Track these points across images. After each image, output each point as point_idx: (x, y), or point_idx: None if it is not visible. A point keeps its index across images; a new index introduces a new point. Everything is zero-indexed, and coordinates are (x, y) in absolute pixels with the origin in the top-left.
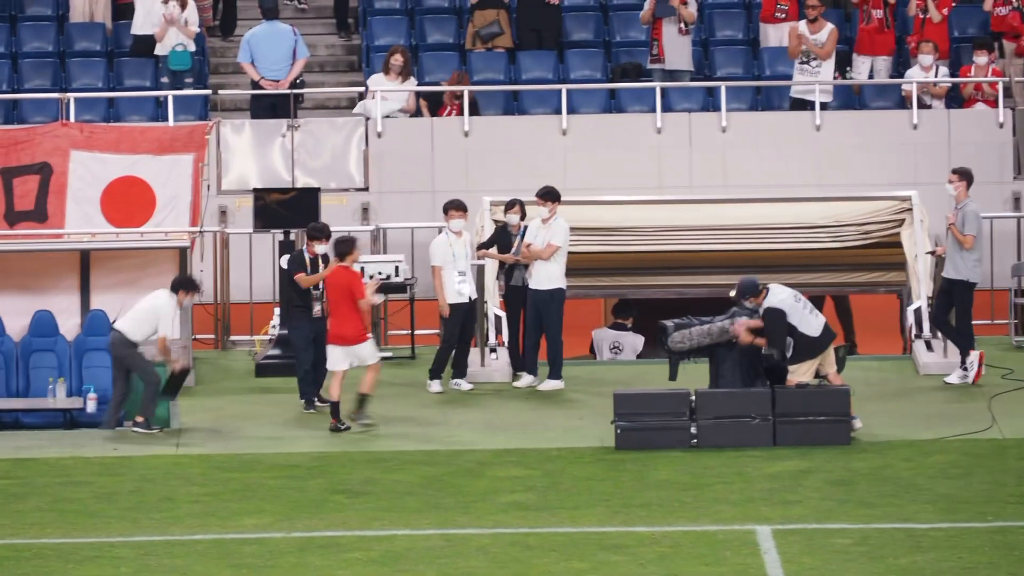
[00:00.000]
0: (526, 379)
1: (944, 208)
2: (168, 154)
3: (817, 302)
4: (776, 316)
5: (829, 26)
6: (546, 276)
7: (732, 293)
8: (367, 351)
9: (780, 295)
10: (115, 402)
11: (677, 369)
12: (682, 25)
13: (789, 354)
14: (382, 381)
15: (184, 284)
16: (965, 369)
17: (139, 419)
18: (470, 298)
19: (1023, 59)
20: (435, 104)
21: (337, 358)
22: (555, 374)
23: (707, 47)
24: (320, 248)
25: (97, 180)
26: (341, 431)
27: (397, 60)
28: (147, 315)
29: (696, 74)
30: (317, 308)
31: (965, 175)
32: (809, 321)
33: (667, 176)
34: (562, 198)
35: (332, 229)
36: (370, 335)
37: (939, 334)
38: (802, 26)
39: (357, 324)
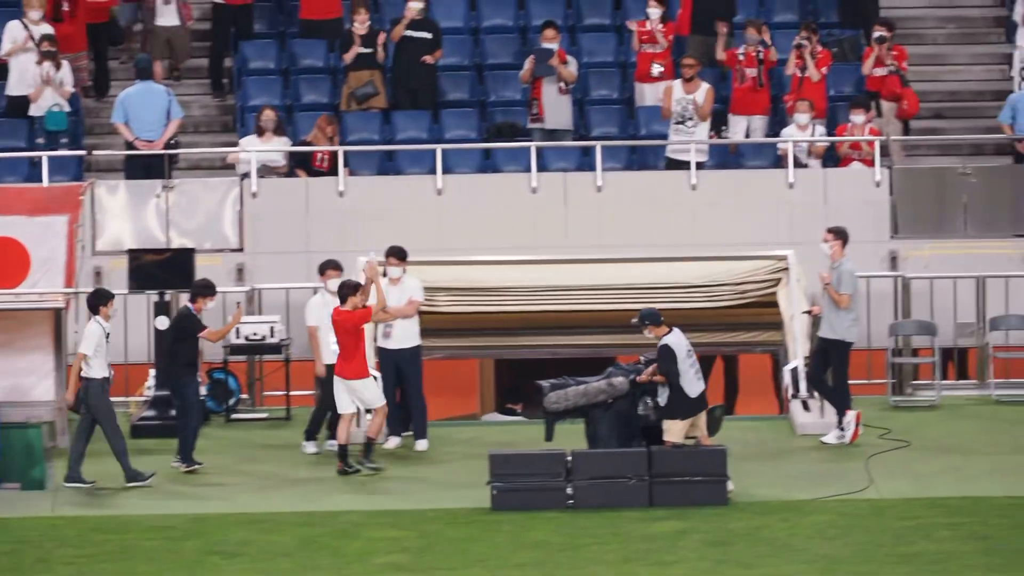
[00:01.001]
0: (393, 441)
1: (820, 267)
2: (42, 215)
3: (708, 362)
4: (670, 354)
5: (705, 85)
6: (407, 334)
7: (634, 320)
8: (368, 394)
9: (680, 339)
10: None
11: (553, 429)
12: (562, 84)
13: (663, 402)
14: (255, 443)
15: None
16: (842, 429)
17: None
18: None
19: (901, 120)
20: (307, 164)
21: (344, 401)
22: (423, 433)
23: (583, 106)
24: (209, 305)
25: None
26: (349, 474)
27: (268, 117)
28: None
29: (573, 133)
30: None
31: (840, 234)
32: (691, 379)
33: (542, 236)
34: (438, 258)
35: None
36: (373, 375)
37: (816, 394)
38: (677, 85)
39: (355, 361)
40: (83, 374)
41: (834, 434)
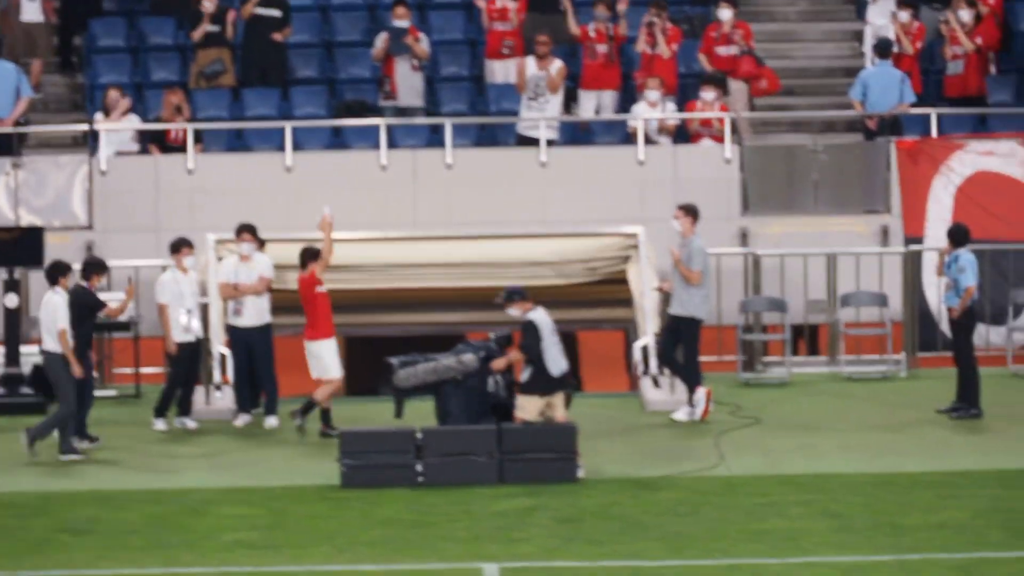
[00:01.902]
0: (243, 418)
1: (671, 244)
2: None
3: (569, 340)
4: (531, 329)
5: (557, 62)
6: (258, 311)
7: (499, 298)
8: (322, 358)
9: (544, 317)
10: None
11: (403, 407)
12: (415, 61)
13: (525, 378)
14: (105, 420)
15: (95, 267)
16: (692, 406)
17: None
18: (196, 336)
19: (752, 98)
20: (161, 139)
21: (335, 364)
22: (274, 410)
23: (432, 83)
24: (100, 282)
25: None
26: (332, 437)
27: (113, 98)
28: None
29: (424, 110)
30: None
31: (690, 211)
32: (555, 357)
33: (392, 213)
34: (287, 236)
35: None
36: (328, 340)
37: (666, 371)
38: (530, 62)
39: (312, 323)
40: (48, 348)
41: (684, 411)
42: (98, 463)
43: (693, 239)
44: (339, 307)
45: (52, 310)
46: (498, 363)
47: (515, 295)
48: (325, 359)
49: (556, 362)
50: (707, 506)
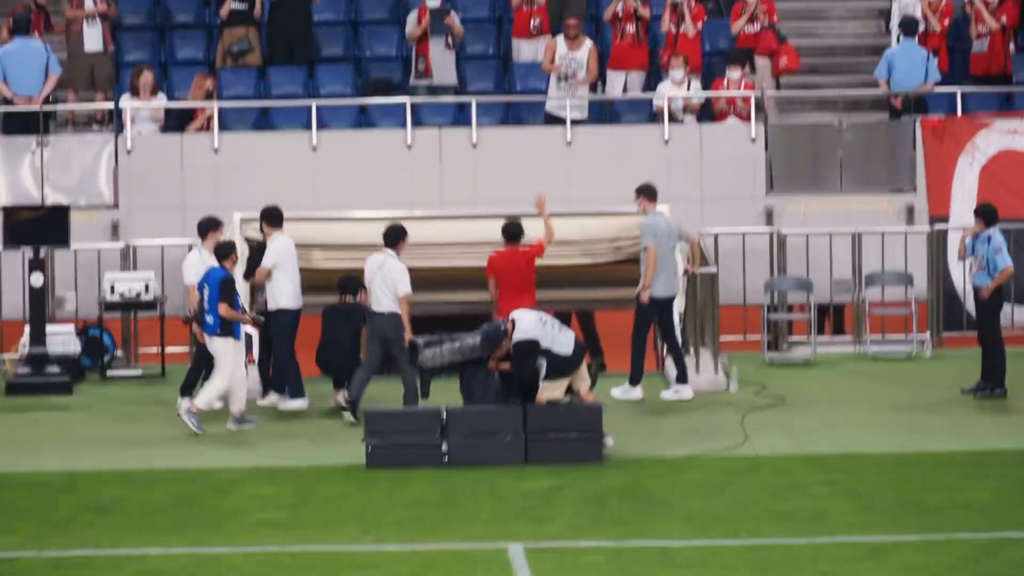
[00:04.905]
0: (271, 398)
1: (697, 223)
2: None
3: (562, 319)
4: (528, 348)
5: (588, 43)
6: (272, 296)
7: (478, 343)
8: None
9: (525, 324)
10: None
11: (429, 386)
12: (449, 40)
13: (543, 375)
14: (131, 399)
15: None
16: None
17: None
18: None
19: (777, 76)
20: (186, 120)
21: None
22: (293, 392)
23: (458, 62)
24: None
25: None
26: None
27: (146, 79)
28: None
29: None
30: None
31: (642, 191)
32: (560, 340)
33: (417, 192)
34: (313, 214)
35: (82, 246)
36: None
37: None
38: (560, 42)
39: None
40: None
41: (623, 389)
42: (124, 442)
43: (649, 216)
44: (363, 286)
45: (396, 276)
46: (492, 364)
47: (495, 340)
48: None
49: (563, 345)
50: (732, 486)
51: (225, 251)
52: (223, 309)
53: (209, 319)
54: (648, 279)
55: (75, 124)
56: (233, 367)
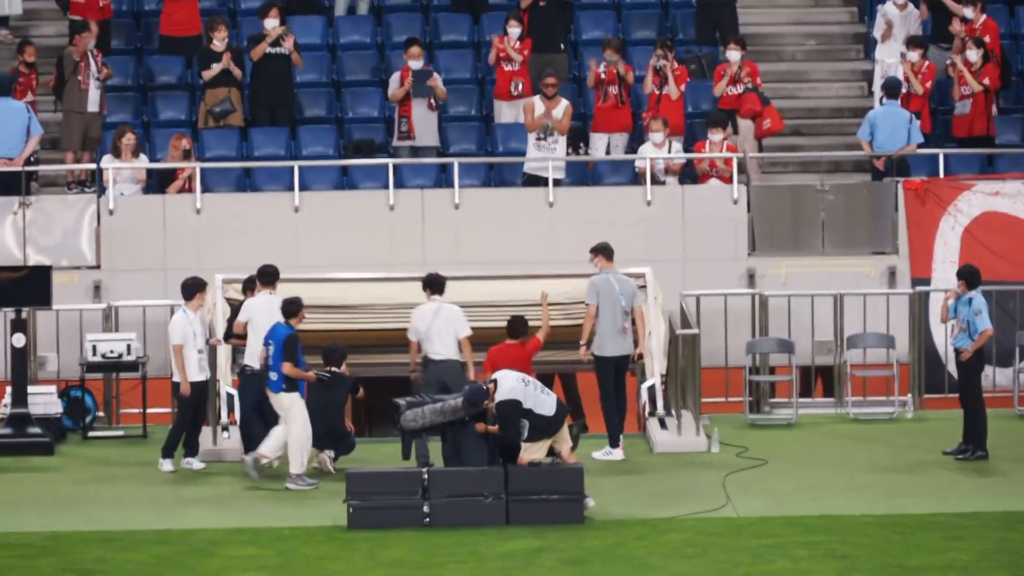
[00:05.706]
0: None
1: (678, 285)
2: None
3: (545, 381)
4: (511, 407)
5: (564, 102)
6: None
7: (460, 404)
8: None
9: (508, 384)
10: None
11: (411, 448)
12: (432, 101)
13: (525, 436)
14: (112, 460)
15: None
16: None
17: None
18: (206, 377)
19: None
20: (168, 180)
21: None
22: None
23: (440, 123)
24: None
25: None
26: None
27: (128, 140)
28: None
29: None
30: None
31: (599, 250)
32: (543, 401)
33: (400, 253)
34: (295, 276)
35: (64, 307)
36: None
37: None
38: (538, 101)
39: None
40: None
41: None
42: (105, 503)
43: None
44: (347, 347)
45: (456, 318)
46: (480, 426)
47: (477, 400)
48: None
49: (545, 406)
50: (714, 547)
51: (293, 309)
52: (287, 368)
53: (273, 375)
54: (585, 336)
55: (68, 184)
56: (303, 424)
